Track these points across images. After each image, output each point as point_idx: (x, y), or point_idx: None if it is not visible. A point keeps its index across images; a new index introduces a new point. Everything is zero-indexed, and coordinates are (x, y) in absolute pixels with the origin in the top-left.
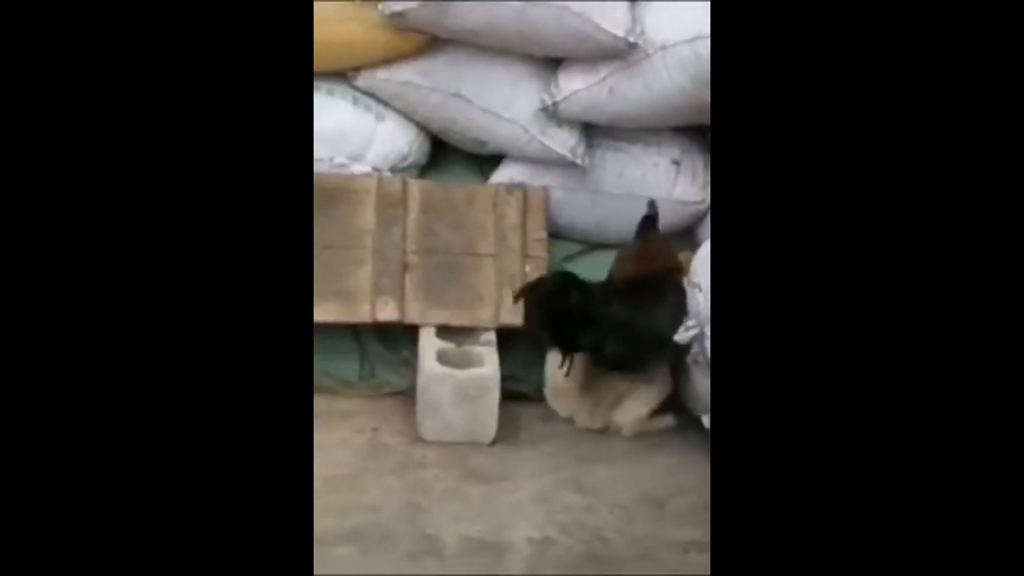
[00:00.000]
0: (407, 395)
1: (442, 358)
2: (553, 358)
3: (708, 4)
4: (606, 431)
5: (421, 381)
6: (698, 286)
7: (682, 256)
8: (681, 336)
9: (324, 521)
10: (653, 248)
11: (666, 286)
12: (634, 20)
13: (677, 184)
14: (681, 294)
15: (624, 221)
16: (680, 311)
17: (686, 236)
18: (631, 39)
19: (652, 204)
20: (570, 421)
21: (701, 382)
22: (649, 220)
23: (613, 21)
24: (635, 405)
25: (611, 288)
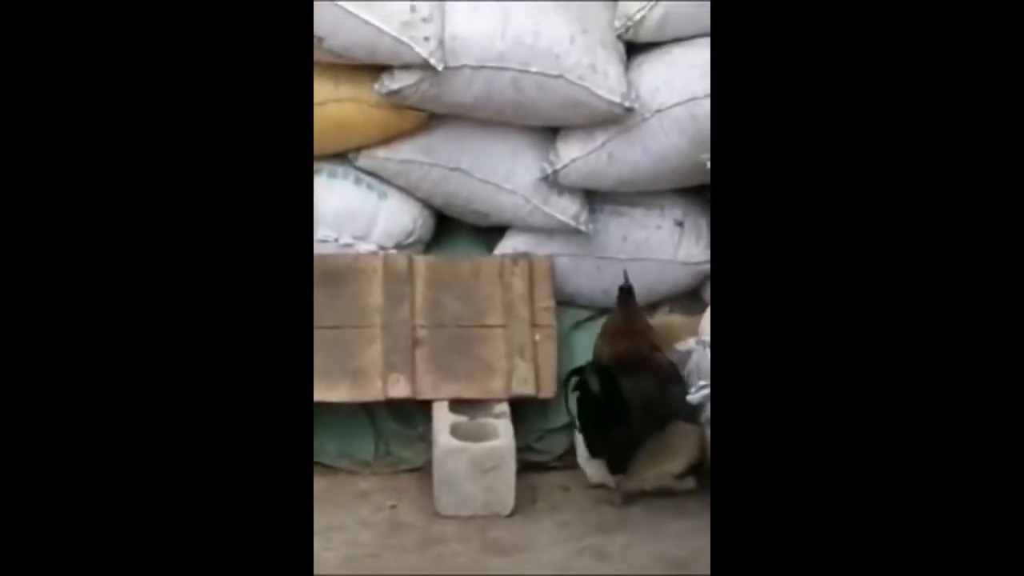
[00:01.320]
0: (424, 471)
1: (456, 432)
2: None
3: (701, 66)
4: (642, 494)
5: (437, 456)
6: (708, 345)
7: (690, 319)
8: (694, 397)
9: None
10: (631, 323)
11: (650, 365)
12: (629, 85)
13: (681, 245)
14: (666, 369)
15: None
16: (671, 383)
17: (692, 297)
18: (627, 104)
19: (626, 276)
20: (599, 487)
21: None
22: (625, 293)
23: (608, 87)
24: (650, 467)
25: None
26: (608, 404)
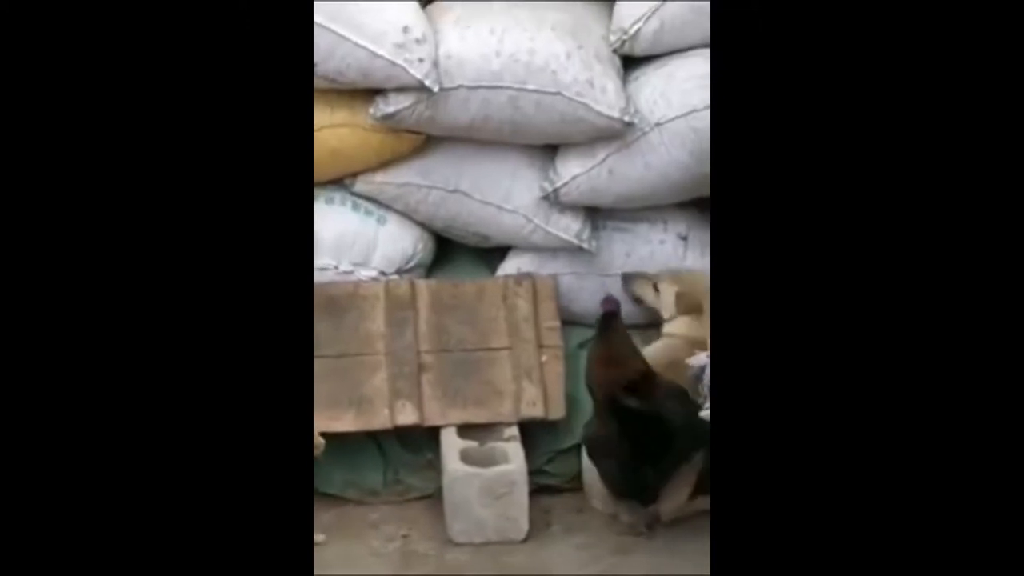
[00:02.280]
0: (434, 498)
1: (466, 457)
2: (588, 459)
3: (699, 77)
4: (652, 527)
5: (447, 483)
6: None
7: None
8: (708, 412)
9: None
10: (617, 349)
11: (663, 389)
12: (627, 99)
13: (686, 260)
14: (681, 391)
15: None
16: (689, 404)
17: None
18: (627, 118)
19: (610, 300)
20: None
21: None
22: (609, 317)
23: (607, 102)
24: (673, 493)
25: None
26: (650, 434)
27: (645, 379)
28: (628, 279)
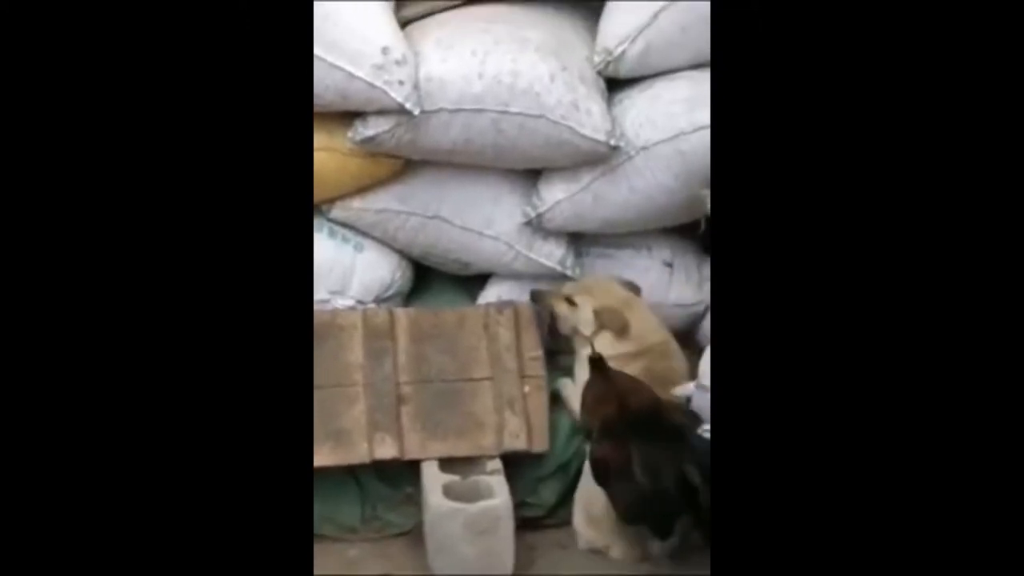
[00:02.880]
0: (414, 534)
1: (449, 492)
2: (584, 487)
3: (685, 100)
4: (645, 560)
5: (429, 519)
6: (708, 389)
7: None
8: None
9: None
10: (617, 383)
11: (670, 414)
12: (613, 122)
13: (672, 287)
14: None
15: None
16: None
17: (685, 339)
18: (612, 142)
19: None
20: (602, 552)
21: None
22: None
23: (592, 125)
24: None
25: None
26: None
27: (659, 404)
28: (537, 296)
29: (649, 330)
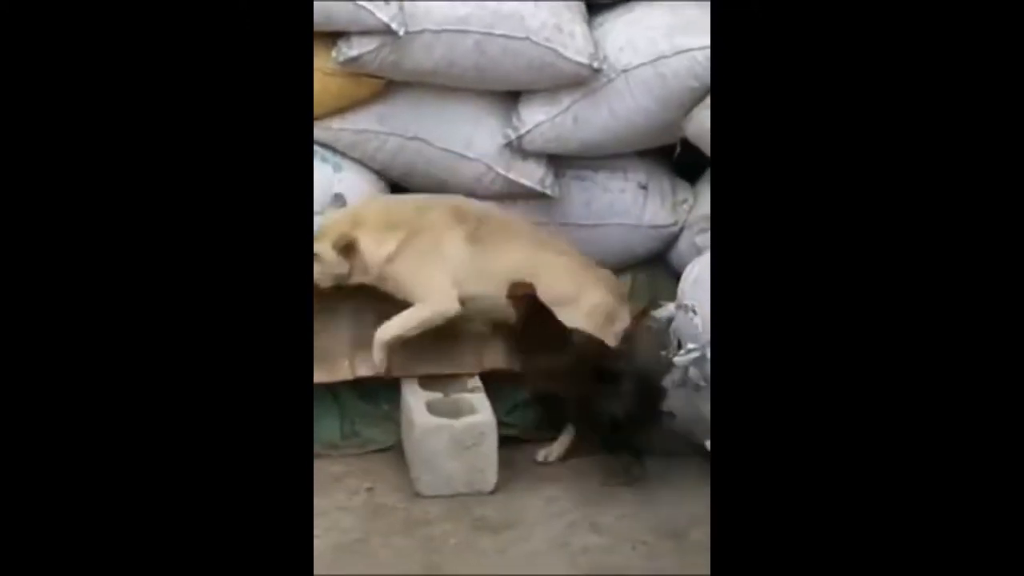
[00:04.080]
0: (395, 451)
1: (432, 409)
2: None
3: (665, 26)
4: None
5: (414, 434)
6: (691, 308)
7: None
8: (681, 360)
9: None
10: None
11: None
12: (596, 45)
13: (646, 209)
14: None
15: (595, 251)
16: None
17: (658, 262)
18: (595, 64)
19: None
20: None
21: (702, 407)
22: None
23: (575, 48)
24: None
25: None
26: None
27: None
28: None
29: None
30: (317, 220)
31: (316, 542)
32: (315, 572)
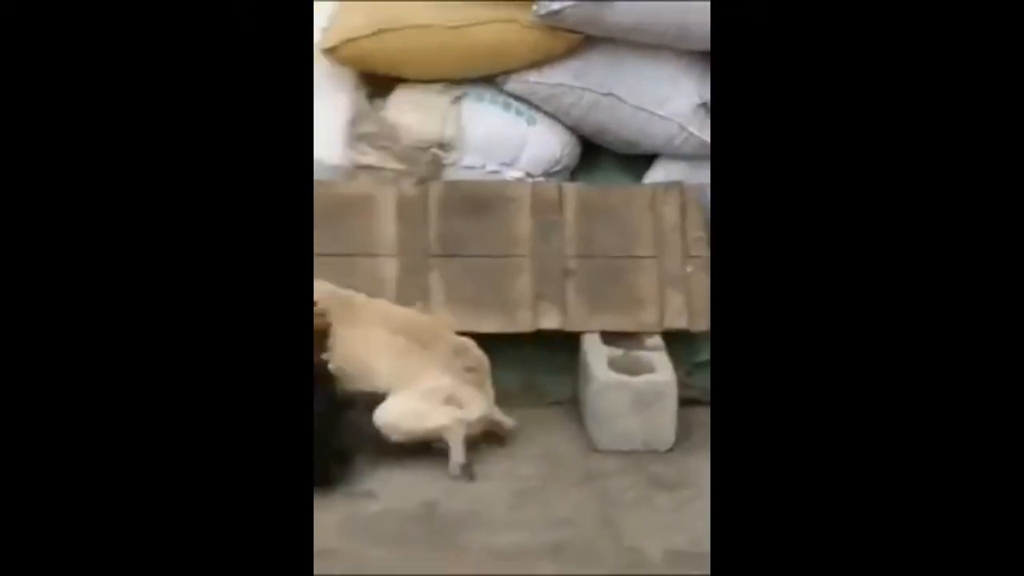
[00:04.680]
0: (569, 404)
1: (612, 365)
2: None
3: None
4: None
5: (594, 389)
6: None
7: None
8: None
9: (519, 536)
10: None
11: None
12: None
13: None
14: None
15: None
16: None
17: None
18: None
19: None
20: None
21: None
22: None
23: None
24: None
25: None
26: None
27: None
28: None
29: None
30: None
31: (492, 485)
32: (491, 515)
